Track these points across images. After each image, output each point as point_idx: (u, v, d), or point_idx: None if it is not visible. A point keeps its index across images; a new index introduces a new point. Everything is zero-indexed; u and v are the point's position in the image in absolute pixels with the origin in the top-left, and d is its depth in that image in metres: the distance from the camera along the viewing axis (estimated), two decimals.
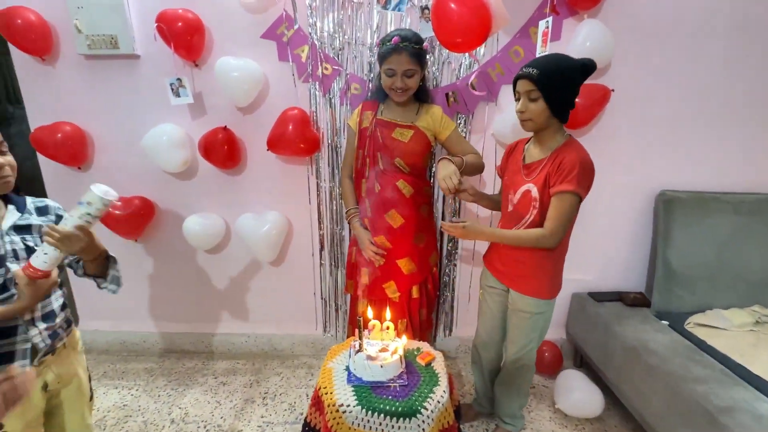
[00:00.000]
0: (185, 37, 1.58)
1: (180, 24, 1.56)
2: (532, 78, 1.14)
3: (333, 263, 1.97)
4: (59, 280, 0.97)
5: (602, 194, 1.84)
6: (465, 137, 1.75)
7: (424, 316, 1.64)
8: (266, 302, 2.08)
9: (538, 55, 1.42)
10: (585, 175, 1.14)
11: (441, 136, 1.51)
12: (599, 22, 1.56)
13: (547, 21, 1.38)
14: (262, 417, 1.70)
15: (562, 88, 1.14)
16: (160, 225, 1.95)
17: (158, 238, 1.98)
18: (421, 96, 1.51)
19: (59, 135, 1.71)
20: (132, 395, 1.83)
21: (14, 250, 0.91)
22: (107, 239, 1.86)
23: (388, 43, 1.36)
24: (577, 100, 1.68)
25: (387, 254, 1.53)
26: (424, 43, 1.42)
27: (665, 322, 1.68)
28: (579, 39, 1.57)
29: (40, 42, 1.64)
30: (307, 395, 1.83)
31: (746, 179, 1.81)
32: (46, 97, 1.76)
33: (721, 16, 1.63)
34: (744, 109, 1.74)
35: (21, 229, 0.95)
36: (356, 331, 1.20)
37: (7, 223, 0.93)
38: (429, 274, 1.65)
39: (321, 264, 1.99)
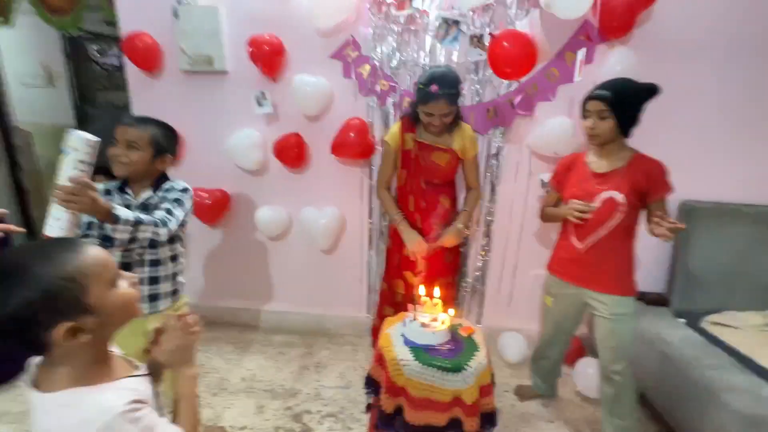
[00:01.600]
0: (270, 58, 1.90)
1: (267, 47, 1.88)
2: (605, 99, 1.31)
3: (379, 254, 2.24)
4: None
5: None
6: (501, 148, 2.00)
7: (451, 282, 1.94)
8: (318, 286, 2.38)
9: (576, 81, 1.65)
10: (669, 175, 1.38)
11: (466, 155, 1.72)
12: (629, 50, 1.76)
13: (583, 51, 1.60)
14: (316, 381, 1.98)
15: (631, 109, 1.32)
16: (233, 214, 2.29)
17: (230, 225, 2.32)
18: (457, 115, 1.67)
19: None
20: (206, 357, 2.16)
21: None
22: (191, 224, 2.23)
23: (427, 89, 1.49)
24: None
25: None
26: (461, 85, 1.58)
27: (682, 320, 1.84)
28: (611, 62, 1.77)
29: (153, 60, 2.00)
30: (354, 368, 2.10)
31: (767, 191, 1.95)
32: (152, 105, 2.12)
33: (746, 38, 1.77)
34: (765, 123, 1.89)
35: (144, 207, 1.25)
36: (409, 306, 1.46)
37: (139, 200, 1.25)
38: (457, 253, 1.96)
39: (369, 254, 2.26)
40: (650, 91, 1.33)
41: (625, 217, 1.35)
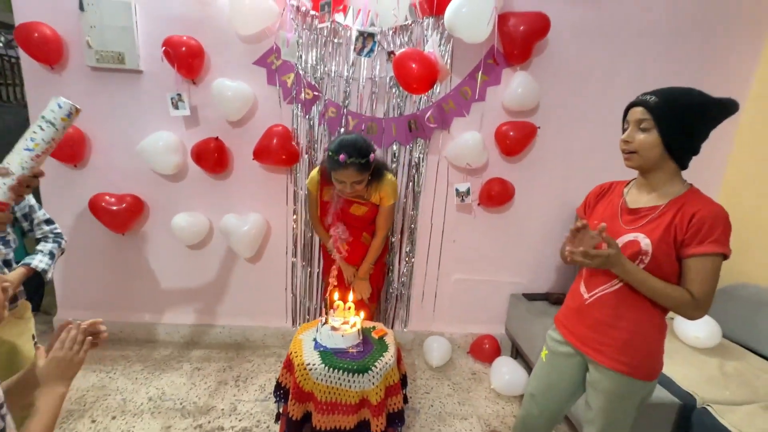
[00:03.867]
0: (187, 60, 1.84)
1: (184, 49, 1.82)
2: (647, 105, 0.98)
3: (304, 262, 2.23)
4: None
5: (534, 210, 2.23)
6: (422, 159, 2.11)
7: (373, 309, 1.94)
8: (242, 296, 2.29)
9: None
10: (729, 231, 0.96)
11: (383, 204, 1.69)
12: (528, 74, 1.98)
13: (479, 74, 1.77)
14: (234, 396, 1.89)
15: (685, 124, 0.95)
16: (147, 221, 2.14)
17: (143, 233, 2.16)
18: (373, 173, 1.60)
19: None
20: (110, 377, 1.96)
21: None
22: (95, 231, 2.05)
23: (336, 158, 1.45)
24: (509, 134, 2.05)
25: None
26: (371, 154, 1.52)
27: None
28: (513, 85, 1.98)
29: (53, 53, 1.84)
30: (276, 379, 2.04)
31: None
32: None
33: (626, 65, 2.06)
34: None
35: None
36: (323, 311, 1.46)
37: None
38: (382, 276, 1.95)
39: (293, 262, 2.24)
40: (723, 107, 0.97)
41: (651, 272, 1.00)
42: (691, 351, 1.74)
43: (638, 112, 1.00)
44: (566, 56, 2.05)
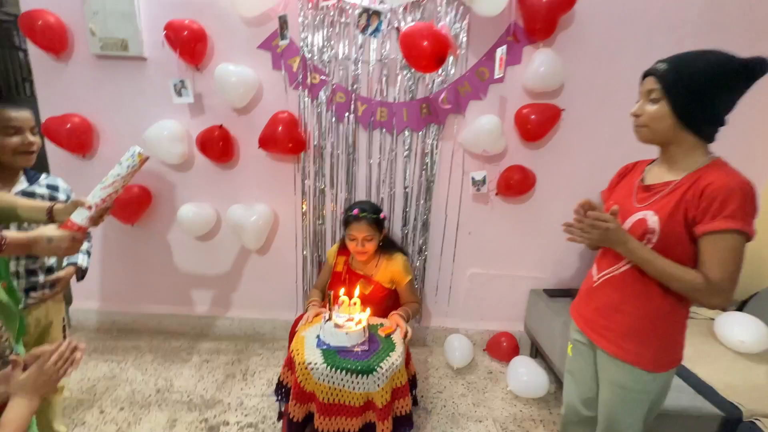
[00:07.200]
0: (190, 45, 1.78)
1: (186, 33, 1.75)
2: (656, 73, 0.89)
3: (313, 254, 2.16)
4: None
5: (557, 200, 2.07)
6: (436, 146, 1.98)
7: None
8: (251, 288, 2.25)
9: (496, 77, 1.63)
10: (749, 205, 0.82)
11: (399, 285, 1.68)
12: (552, 51, 1.80)
13: (503, 49, 1.61)
14: (241, 389, 1.86)
15: (697, 91, 0.84)
16: (155, 212, 2.12)
17: (153, 224, 2.14)
18: (384, 246, 1.68)
19: (68, 125, 1.88)
20: (120, 368, 1.97)
21: None
22: (106, 222, 2.04)
23: (350, 213, 1.61)
24: (531, 117, 1.89)
25: None
26: (382, 213, 1.65)
27: None
28: (535, 64, 1.81)
29: (57, 41, 1.81)
30: (278, 377, 1.99)
31: None
32: (57, 90, 1.93)
33: (661, 42, 1.85)
34: None
35: (26, 195, 1.16)
36: (326, 305, 1.39)
37: (16, 189, 1.18)
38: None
39: (303, 254, 2.17)
40: (746, 68, 0.82)
41: (661, 253, 0.89)
42: (735, 357, 1.56)
43: (649, 82, 0.92)
44: (594, 31, 1.86)
